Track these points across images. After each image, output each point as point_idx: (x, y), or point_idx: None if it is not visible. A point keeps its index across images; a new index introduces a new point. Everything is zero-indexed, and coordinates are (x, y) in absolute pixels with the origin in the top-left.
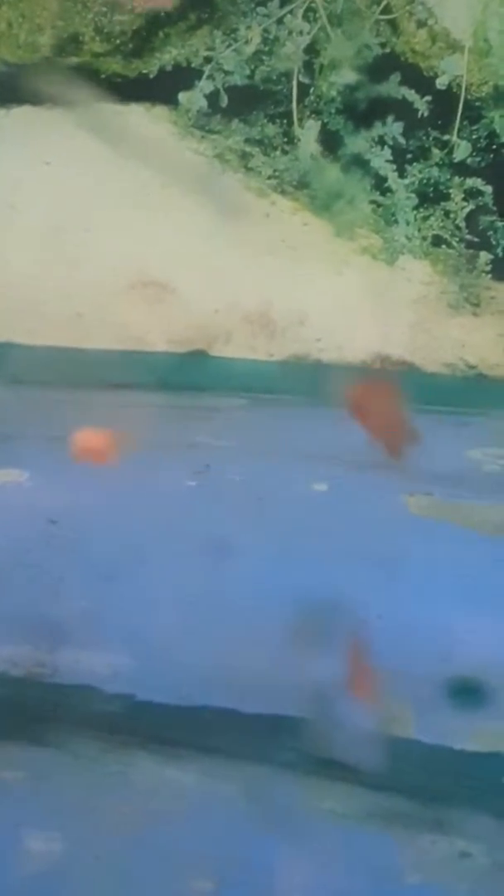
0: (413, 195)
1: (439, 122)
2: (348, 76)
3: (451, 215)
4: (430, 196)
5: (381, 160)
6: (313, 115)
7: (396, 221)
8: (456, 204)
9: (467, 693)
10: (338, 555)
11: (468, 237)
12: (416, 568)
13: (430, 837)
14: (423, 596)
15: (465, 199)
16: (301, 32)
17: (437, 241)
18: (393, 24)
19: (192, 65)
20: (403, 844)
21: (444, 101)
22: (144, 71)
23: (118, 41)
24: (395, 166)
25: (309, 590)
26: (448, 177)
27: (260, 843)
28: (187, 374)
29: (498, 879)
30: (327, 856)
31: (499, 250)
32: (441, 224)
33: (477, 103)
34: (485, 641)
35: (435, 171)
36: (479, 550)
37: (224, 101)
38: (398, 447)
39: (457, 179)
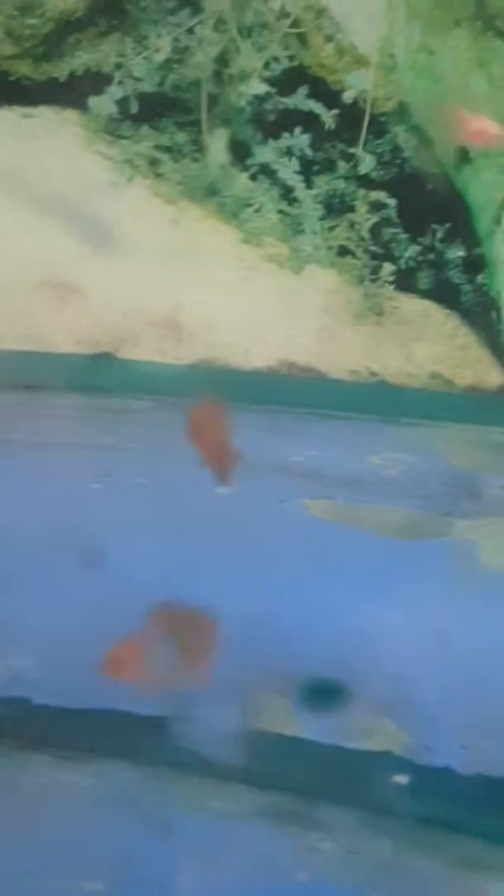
0: (319, 206)
1: (346, 136)
2: (257, 87)
3: (357, 227)
4: (336, 207)
5: (288, 171)
6: (222, 124)
7: (303, 231)
8: (361, 216)
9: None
10: (236, 558)
11: (372, 248)
12: (312, 570)
13: (317, 836)
14: (317, 597)
15: (369, 212)
16: (211, 43)
17: (343, 251)
18: (301, 38)
19: (103, 70)
20: (291, 842)
21: (351, 115)
22: (55, 75)
23: (28, 44)
24: (302, 177)
25: (200, 593)
26: (354, 189)
27: (150, 843)
28: (95, 377)
29: (384, 876)
30: (217, 854)
31: (402, 262)
32: (346, 235)
33: (382, 118)
34: (381, 640)
35: (341, 184)
36: (376, 552)
37: (134, 107)
38: (225, 471)
39: (362, 192)
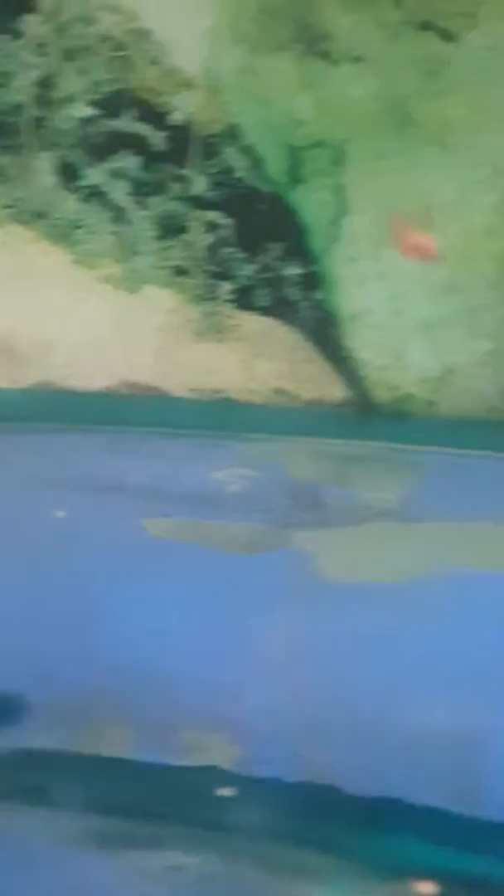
0: (154, 227)
1: (176, 157)
2: (82, 110)
3: (192, 247)
4: (170, 228)
5: (120, 193)
6: (49, 147)
7: (138, 252)
8: (196, 236)
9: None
10: (76, 581)
11: (210, 268)
12: (145, 589)
13: (143, 854)
14: (149, 615)
15: (205, 232)
16: (33, 67)
17: (180, 271)
18: (126, 61)
19: None
20: (117, 862)
21: (180, 137)
22: None
23: None
24: (134, 199)
25: (33, 616)
26: (187, 210)
27: None
28: None
29: (208, 888)
30: (35, 884)
31: (239, 280)
32: (182, 255)
33: (212, 139)
34: (211, 654)
35: (174, 204)
36: (213, 567)
37: None
38: None
39: (196, 212)
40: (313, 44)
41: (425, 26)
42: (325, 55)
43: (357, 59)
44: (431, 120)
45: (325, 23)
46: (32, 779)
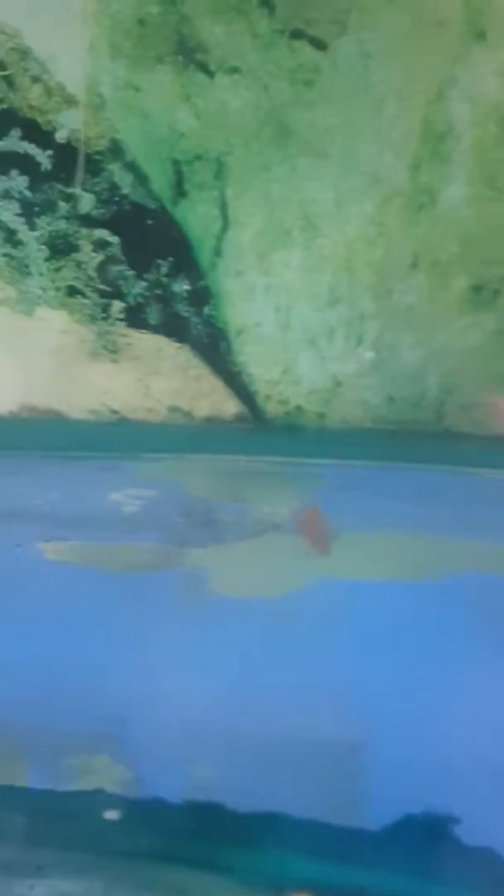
0: (44, 247)
1: (63, 176)
2: None
3: (83, 266)
4: (60, 248)
5: (9, 213)
6: None
7: (30, 273)
8: (86, 255)
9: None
10: None
11: (101, 287)
12: (41, 612)
13: (28, 882)
14: (44, 639)
15: (94, 250)
16: None
17: (72, 291)
18: (8, 80)
19: None
20: (1, 892)
21: (67, 155)
22: None
23: None
24: (24, 219)
25: None
26: (76, 228)
27: None
28: None
29: None
30: None
31: (130, 298)
32: (74, 275)
33: (97, 156)
34: (105, 676)
35: (63, 224)
36: (107, 588)
37: None
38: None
39: (84, 231)
40: (190, 55)
41: (297, 35)
42: (202, 67)
43: (233, 70)
44: (308, 129)
45: (201, 34)
46: None
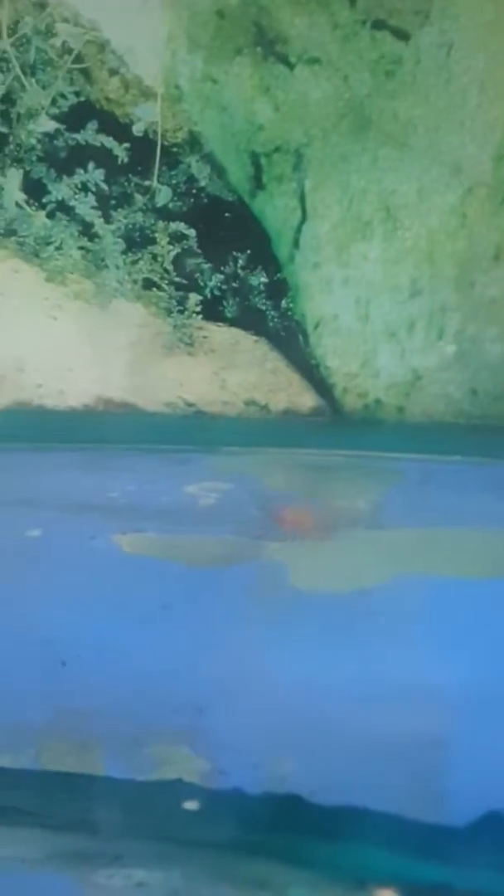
0: (120, 240)
1: (140, 169)
2: (46, 124)
3: (159, 259)
4: (137, 240)
5: (85, 206)
6: (14, 164)
7: (106, 266)
8: (162, 248)
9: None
10: (48, 600)
11: (177, 279)
12: (117, 605)
13: (107, 872)
14: (119, 631)
15: (170, 243)
16: None
17: (148, 284)
18: (86, 73)
19: None
20: (81, 882)
21: (143, 148)
22: None
23: None
24: (100, 212)
25: (22, 639)
26: (153, 221)
27: None
28: None
29: None
30: None
31: (206, 291)
32: (150, 268)
33: (174, 149)
34: (180, 667)
35: (139, 217)
36: (184, 581)
37: None
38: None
39: (161, 224)
40: (269, 47)
41: (378, 25)
42: (281, 58)
43: (313, 61)
44: (389, 120)
45: (280, 25)
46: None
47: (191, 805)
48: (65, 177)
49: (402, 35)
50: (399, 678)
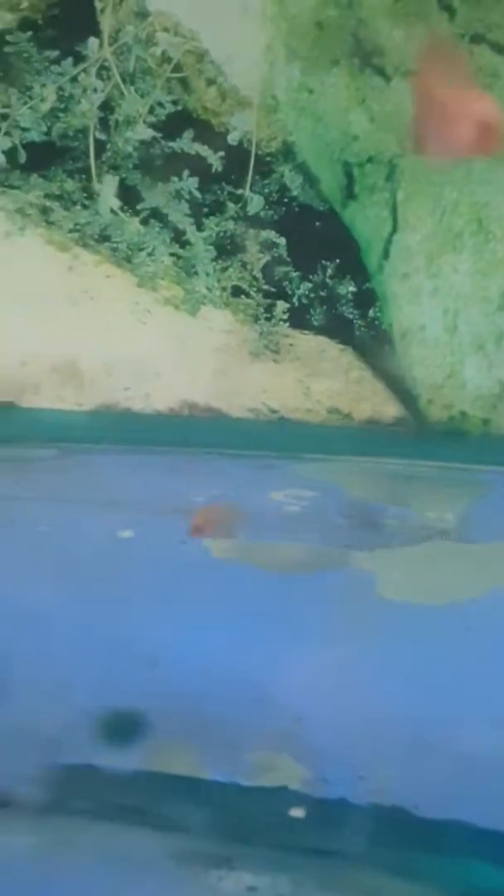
0: (211, 247)
1: (233, 177)
2: (143, 132)
3: (248, 266)
4: (227, 248)
5: (178, 214)
6: (111, 170)
7: (196, 273)
8: (252, 255)
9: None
10: (141, 602)
11: (265, 287)
12: (211, 609)
13: (217, 874)
14: (215, 636)
15: (260, 251)
16: (95, 90)
17: (237, 291)
18: (184, 82)
19: None
20: (191, 883)
21: (237, 157)
22: None
23: None
24: (192, 220)
25: (102, 635)
26: (244, 229)
27: (54, 892)
28: None
29: None
30: None
31: (294, 299)
32: (239, 275)
33: (268, 158)
34: (277, 675)
35: (231, 224)
36: (275, 588)
37: (22, 156)
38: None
39: (252, 232)
40: (366, 59)
41: (477, 39)
42: (378, 70)
43: (410, 74)
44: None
45: (378, 37)
46: (109, 796)
47: (297, 812)
48: (160, 184)
49: (500, 49)
50: (497, 693)
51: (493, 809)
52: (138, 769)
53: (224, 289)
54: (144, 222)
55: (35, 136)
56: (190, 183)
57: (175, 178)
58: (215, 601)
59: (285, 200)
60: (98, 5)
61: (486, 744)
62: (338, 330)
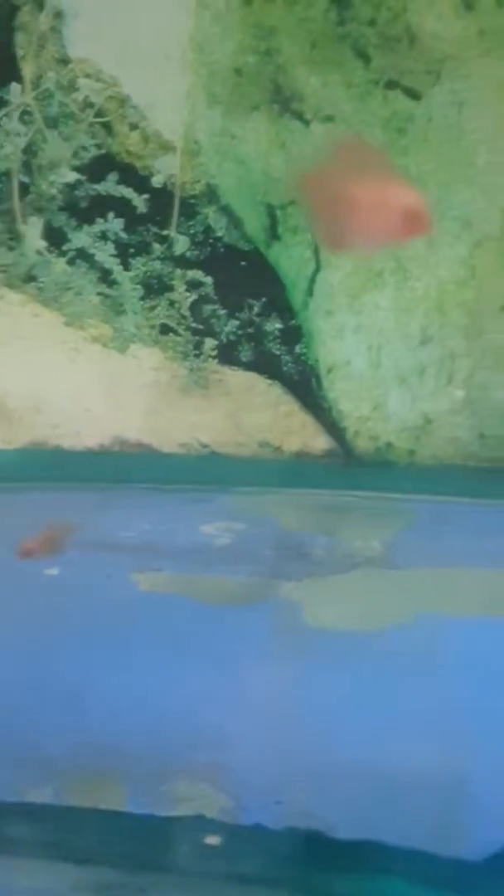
0: (138, 287)
1: (158, 218)
2: (67, 175)
3: (176, 305)
4: (154, 287)
5: (105, 254)
6: (36, 212)
7: (124, 311)
8: (179, 294)
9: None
10: (67, 638)
11: (194, 325)
12: (136, 642)
13: None
14: (138, 669)
15: (187, 290)
16: (18, 134)
17: (165, 329)
18: (107, 127)
19: None
20: None
21: (162, 199)
22: None
23: None
24: (119, 260)
25: (25, 672)
26: (170, 269)
27: None
28: None
29: None
30: None
31: (222, 336)
32: (167, 313)
33: (192, 200)
34: (202, 706)
35: (157, 264)
36: (201, 620)
37: None
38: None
39: (178, 271)
40: (286, 104)
41: (391, 85)
42: (297, 115)
43: (328, 119)
44: (401, 176)
45: (296, 84)
46: (26, 832)
47: (213, 840)
48: (85, 226)
49: (414, 94)
50: (414, 715)
51: (408, 829)
52: (55, 804)
53: (153, 327)
54: (71, 262)
55: None
56: (115, 224)
57: (100, 220)
58: (141, 635)
59: (211, 241)
60: (19, 51)
61: (400, 765)
62: (266, 365)
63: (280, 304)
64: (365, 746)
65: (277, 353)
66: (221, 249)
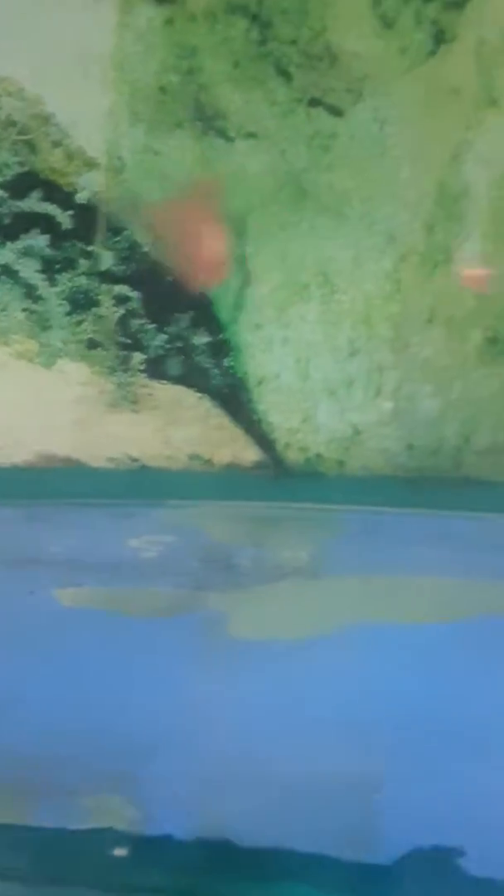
0: (65, 302)
1: (83, 234)
2: None
3: (103, 320)
4: (81, 302)
5: (29, 270)
6: None
7: (50, 327)
8: (107, 309)
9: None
10: None
11: (121, 339)
12: (58, 656)
13: None
14: (58, 682)
15: (115, 305)
16: None
17: (92, 344)
18: (30, 144)
19: None
20: None
21: (87, 215)
22: None
23: None
24: (44, 275)
25: None
26: (97, 284)
27: None
28: None
29: None
30: None
31: (150, 351)
32: (94, 328)
33: (118, 216)
34: (121, 717)
35: (83, 280)
36: (124, 633)
37: None
38: None
39: (105, 287)
40: (209, 122)
41: (314, 102)
42: (221, 132)
43: (251, 136)
44: (325, 191)
45: (219, 102)
46: None
47: (121, 852)
48: (8, 242)
49: (336, 112)
50: (329, 723)
51: (318, 835)
52: None
53: (80, 342)
54: None
55: None
56: (40, 240)
57: (24, 236)
58: (62, 649)
59: (137, 256)
60: None
61: (315, 773)
62: (195, 379)
63: (208, 317)
64: (276, 756)
65: (206, 366)
66: (148, 264)
